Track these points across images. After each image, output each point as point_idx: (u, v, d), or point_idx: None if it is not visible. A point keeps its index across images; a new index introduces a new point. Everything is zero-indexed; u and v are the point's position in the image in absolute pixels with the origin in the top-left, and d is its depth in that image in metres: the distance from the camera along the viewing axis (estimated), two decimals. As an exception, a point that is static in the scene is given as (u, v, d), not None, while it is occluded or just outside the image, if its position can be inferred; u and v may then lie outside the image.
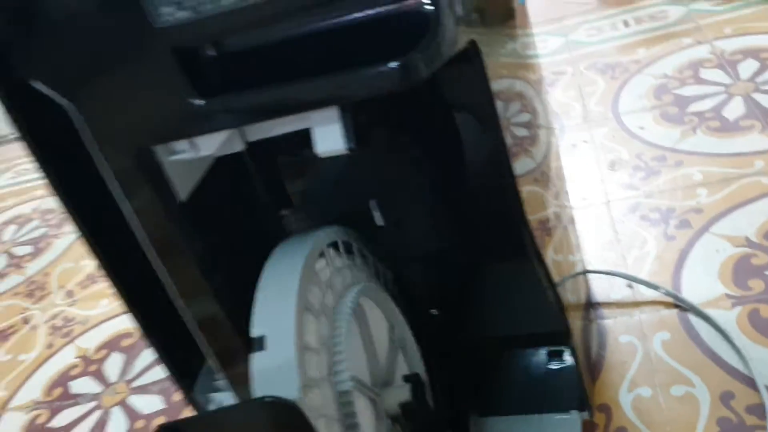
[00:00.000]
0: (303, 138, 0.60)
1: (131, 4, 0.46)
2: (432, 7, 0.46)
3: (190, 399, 0.70)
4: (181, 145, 0.55)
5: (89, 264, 1.58)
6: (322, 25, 0.49)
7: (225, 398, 0.72)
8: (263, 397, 0.55)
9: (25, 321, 1.47)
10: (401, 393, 0.68)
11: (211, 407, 0.72)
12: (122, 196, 0.56)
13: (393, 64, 0.45)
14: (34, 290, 1.57)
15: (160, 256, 0.59)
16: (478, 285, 0.76)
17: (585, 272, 1.00)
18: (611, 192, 1.19)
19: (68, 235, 1.74)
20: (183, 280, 0.61)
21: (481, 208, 0.69)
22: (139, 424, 1.09)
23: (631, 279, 0.99)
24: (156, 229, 0.57)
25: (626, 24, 1.74)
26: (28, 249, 1.76)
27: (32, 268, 1.67)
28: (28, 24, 0.48)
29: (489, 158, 0.63)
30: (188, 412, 1.06)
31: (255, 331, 0.59)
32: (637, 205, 1.14)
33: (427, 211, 0.71)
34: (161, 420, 1.08)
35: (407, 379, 0.69)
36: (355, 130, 0.52)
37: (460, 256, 0.73)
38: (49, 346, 1.36)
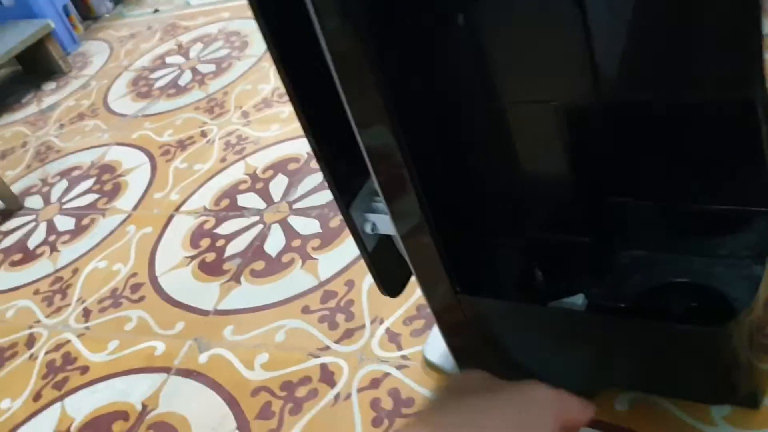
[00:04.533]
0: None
1: None
2: None
3: (347, 215, 0.69)
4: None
5: (266, 88, 1.60)
6: None
7: (380, 220, 0.70)
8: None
9: (203, 134, 1.53)
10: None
11: (367, 227, 0.71)
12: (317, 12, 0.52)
13: None
14: (214, 107, 1.62)
15: (344, 78, 0.56)
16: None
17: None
18: None
19: (250, 58, 1.77)
20: (363, 103, 0.57)
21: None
22: (296, 243, 1.12)
23: None
24: (343, 47, 0.53)
25: None
26: (211, 67, 1.81)
27: (214, 86, 1.72)
28: None
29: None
30: (342, 237, 1.08)
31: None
32: None
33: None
34: (316, 242, 1.10)
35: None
36: None
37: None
38: (223, 160, 1.41)
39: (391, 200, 0.64)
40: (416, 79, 0.64)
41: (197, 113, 1.63)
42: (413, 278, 0.73)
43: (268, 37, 0.56)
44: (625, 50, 0.59)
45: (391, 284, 0.75)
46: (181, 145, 1.52)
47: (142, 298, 1.13)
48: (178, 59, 1.94)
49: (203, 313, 1.06)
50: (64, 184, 1.54)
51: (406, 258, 0.71)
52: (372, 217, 0.70)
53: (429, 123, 0.68)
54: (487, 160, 0.72)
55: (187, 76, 1.82)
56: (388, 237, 0.73)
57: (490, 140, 0.70)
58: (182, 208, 1.32)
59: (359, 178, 0.70)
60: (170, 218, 1.30)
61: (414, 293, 0.92)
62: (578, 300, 0.77)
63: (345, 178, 0.69)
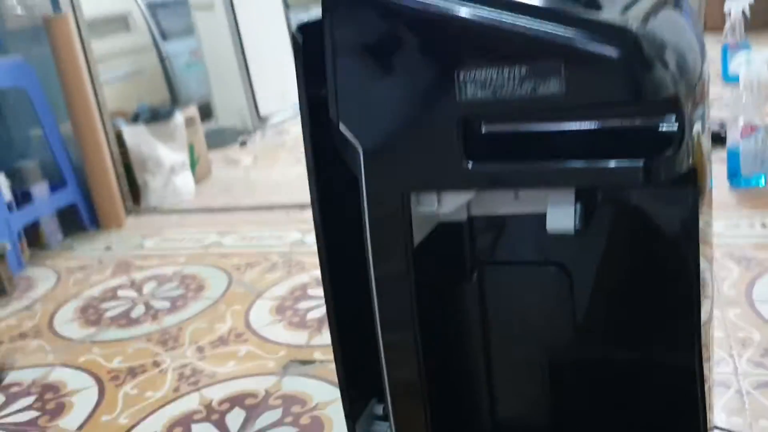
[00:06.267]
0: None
1: (446, 80, 0.59)
2: (677, 125, 0.57)
3: (351, 429, 0.78)
4: (429, 199, 0.67)
5: (223, 327, 1.70)
6: (578, 124, 0.61)
7: (383, 440, 0.79)
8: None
9: (155, 364, 1.58)
10: None
11: (368, 447, 0.80)
12: (369, 231, 0.68)
13: (640, 163, 0.56)
14: (167, 340, 1.69)
15: (383, 293, 0.70)
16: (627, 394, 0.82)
17: (714, 428, 1.03)
18: (740, 366, 1.22)
19: (206, 299, 1.88)
20: (393, 321, 0.71)
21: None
22: (254, 474, 1.16)
23: (759, 446, 1.01)
24: (388, 266, 0.68)
25: (764, 226, 1.81)
26: (165, 304, 1.90)
27: (167, 321, 1.80)
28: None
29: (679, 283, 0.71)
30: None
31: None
32: (767, 383, 1.17)
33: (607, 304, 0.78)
34: (276, 475, 1.14)
35: None
36: (584, 214, 0.62)
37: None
38: (176, 389, 1.46)
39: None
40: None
41: (149, 344, 1.69)
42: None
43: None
44: (599, 316, 0.76)
45: (377, 505, 0.82)
46: (132, 372, 1.56)
47: None
48: (131, 293, 2.02)
49: None
50: (0, 398, 1.53)
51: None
52: (375, 436, 0.80)
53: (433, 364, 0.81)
54: (473, 400, 0.84)
55: (139, 310, 1.89)
56: (379, 459, 0.82)
57: (477, 384, 0.83)
58: (131, 433, 1.33)
59: (361, 402, 0.82)
60: (119, 441, 1.31)
61: None
62: None
63: (353, 403, 0.79)
